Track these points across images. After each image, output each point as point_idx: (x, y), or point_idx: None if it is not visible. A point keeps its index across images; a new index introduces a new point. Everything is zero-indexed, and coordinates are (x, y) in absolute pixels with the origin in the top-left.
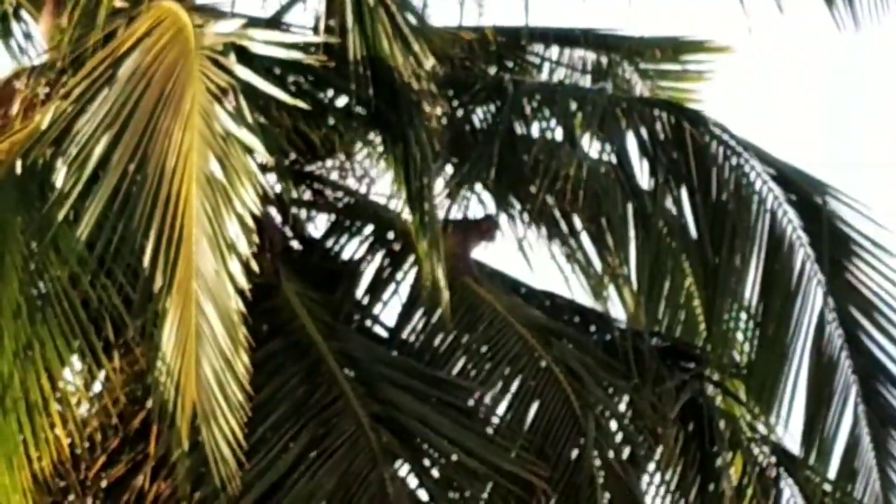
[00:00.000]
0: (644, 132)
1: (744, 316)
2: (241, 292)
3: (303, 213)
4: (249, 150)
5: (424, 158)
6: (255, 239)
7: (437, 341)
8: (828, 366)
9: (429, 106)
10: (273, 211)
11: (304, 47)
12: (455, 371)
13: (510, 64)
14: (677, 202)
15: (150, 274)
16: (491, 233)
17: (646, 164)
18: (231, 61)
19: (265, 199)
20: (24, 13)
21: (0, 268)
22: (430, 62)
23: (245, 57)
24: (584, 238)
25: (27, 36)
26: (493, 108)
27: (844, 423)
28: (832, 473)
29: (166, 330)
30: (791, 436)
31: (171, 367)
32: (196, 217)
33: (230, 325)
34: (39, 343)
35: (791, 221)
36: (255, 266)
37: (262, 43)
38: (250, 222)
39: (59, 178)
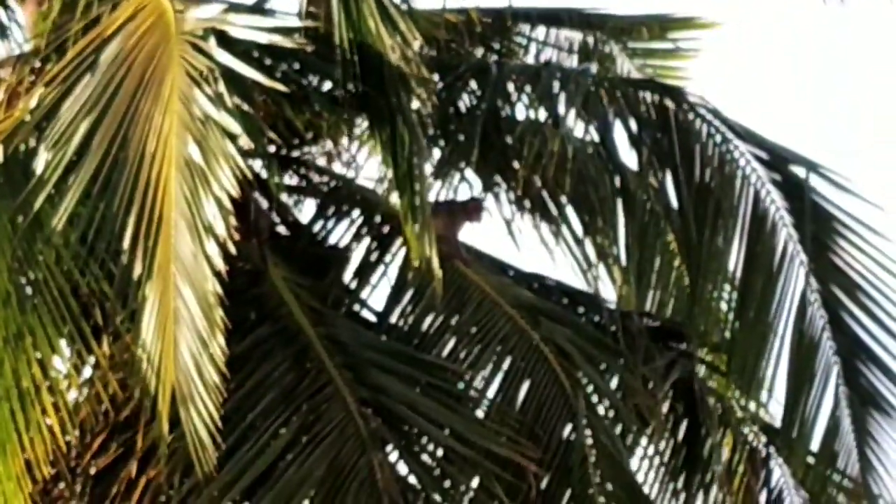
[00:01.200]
0: (627, 112)
1: (726, 296)
2: (217, 274)
3: (289, 199)
4: (229, 134)
5: (413, 140)
6: (233, 221)
7: (425, 324)
8: (809, 346)
9: (417, 88)
10: (259, 197)
11: (287, 32)
12: (444, 354)
13: (496, 46)
14: (661, 182)
15: (130, 258)
16: (477, 214)
17: (629, 143)
18: (211, 45)
19: (251, 184)
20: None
21: None
22: (417, 44)
23: (226, 42)
24: (572, 218)
25: (13, 23)
26: (477, 89)
27: (825, 405)
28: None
29: (146, 314)
30: (772, 416)
31: (150, 352)
32: (175, 200)
33: (207, 308)
34: (30, 331)
35: (774, 201)
36: (232, 248)
37: (242, 27)
38: (228, 204)
39: (41, 163)
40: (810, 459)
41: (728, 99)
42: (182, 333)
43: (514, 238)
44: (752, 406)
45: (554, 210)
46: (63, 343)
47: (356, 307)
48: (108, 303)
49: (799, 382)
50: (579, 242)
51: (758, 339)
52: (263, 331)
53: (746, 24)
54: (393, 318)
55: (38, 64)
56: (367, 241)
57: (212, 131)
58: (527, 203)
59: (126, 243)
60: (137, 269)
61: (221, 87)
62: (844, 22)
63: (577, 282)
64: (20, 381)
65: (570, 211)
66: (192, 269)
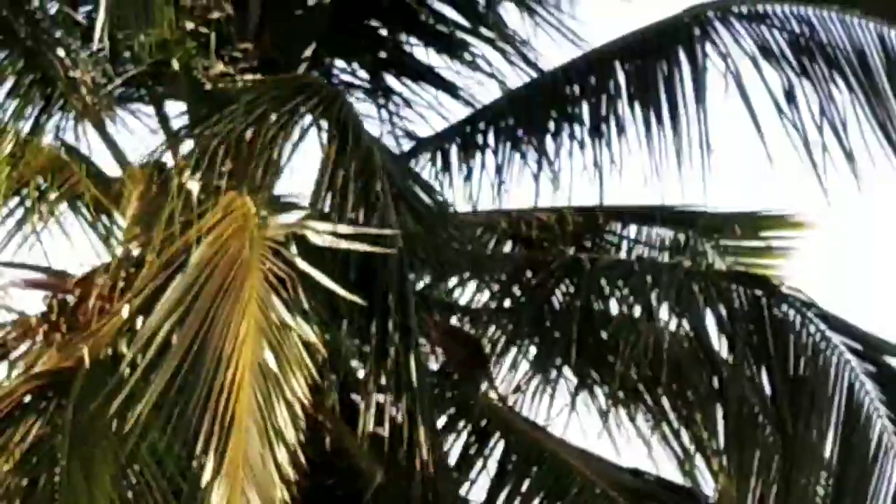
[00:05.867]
0: (720, 304)
1: (820, 490)
2: (286, 482)
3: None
4: (304, 341)
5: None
6: (303, 426)
7: None
8: None
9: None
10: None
11: (367, 240)
12: None
13: (588, 244)
14: (756, 374)
15: (201, 461)
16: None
17: (723, 336)
18: (291, 252)
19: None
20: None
21: (91, 463)
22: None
23: (306, 248)
24: (669, 412)
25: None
26: (570, 286)
27: None
28: None
29: None
30: None
31: None
32: (248, 405)
33: None
34: None
35: (868, 392)
36: (301, 457)
37: (320, 233)
38: (299, 411)
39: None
40: None
41: (823, 288)
42: None
43: (611, 432)
44: None
45: (650, 402)
46: None
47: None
48: None
49: None
50: (677, 435)
51: None
52: None
53: (844, 223)
54: None
55: (131, 269)
56: (465, 435)
57: (287, 338)
58: (624, 397)
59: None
60: (209, 469)
61: (299, 293)
62: None
63: (675, 477)
64: None
65: (666, 403)
66: (261, 475)
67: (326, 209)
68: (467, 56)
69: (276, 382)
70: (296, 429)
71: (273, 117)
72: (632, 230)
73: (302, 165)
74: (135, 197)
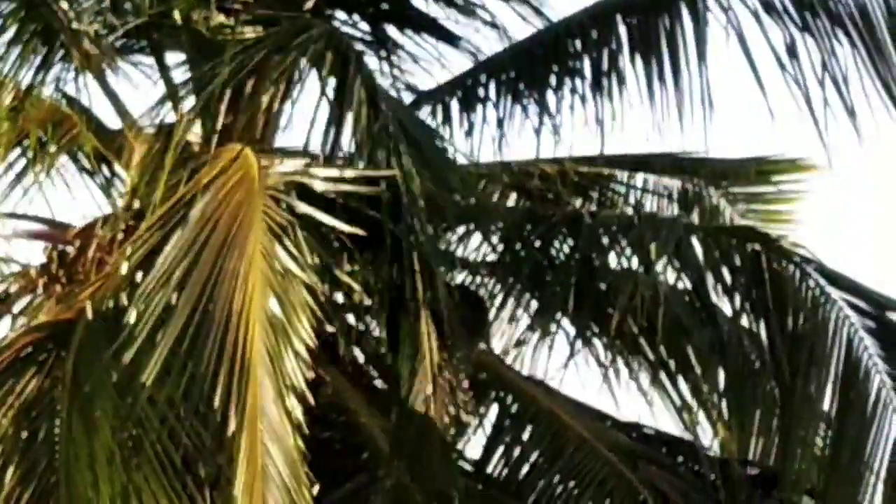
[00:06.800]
0: (719, 259)
1: (819, 441)
2: (299, 428)
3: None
4: (308, 287)
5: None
6: (310, 374)
7: (523, 470)
8: None
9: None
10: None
11: (369, 181)
12: (543, 499)
13: (593, 195)
14: (755, 328)
15: (223, 413)
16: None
17: (722, 290)
18: (292, 198)
19: (349, 338)
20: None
21: (91, 414)
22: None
23: (307, 194)
24: (669, 365)
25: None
26: (570, 241)
27: None
28: None
29: (238, 471)
30: None
31: None
32: (260, 358)
33: (293, 465)
34: (135, 489)
35: (867, 348)
36: (310, 399)
37: (323, 179)
38: (306, 356)
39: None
40: None
41: (825, 241)
42: (270, 491)
43: (610, 384)
44: None
45: (651, 355)
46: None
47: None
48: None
49: None
50: (677, 388)
51: (851, 487)
52: (361, 478)
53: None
54: (490, 465)
55: (131, 221)
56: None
57: (291, 284)
58: (623, 349)
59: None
60: (232, 425)
61: (300, 239)
62: None
63: (675, 431)
64: None
65: (665, 357)
66: (278, 426)
67: (329, 156)
68: (468, 5)
69: (284, 331)
70: (303, 375)
71: (275, 61)
72: (637, 180)
73: (303, 115)
74: (137, 149)
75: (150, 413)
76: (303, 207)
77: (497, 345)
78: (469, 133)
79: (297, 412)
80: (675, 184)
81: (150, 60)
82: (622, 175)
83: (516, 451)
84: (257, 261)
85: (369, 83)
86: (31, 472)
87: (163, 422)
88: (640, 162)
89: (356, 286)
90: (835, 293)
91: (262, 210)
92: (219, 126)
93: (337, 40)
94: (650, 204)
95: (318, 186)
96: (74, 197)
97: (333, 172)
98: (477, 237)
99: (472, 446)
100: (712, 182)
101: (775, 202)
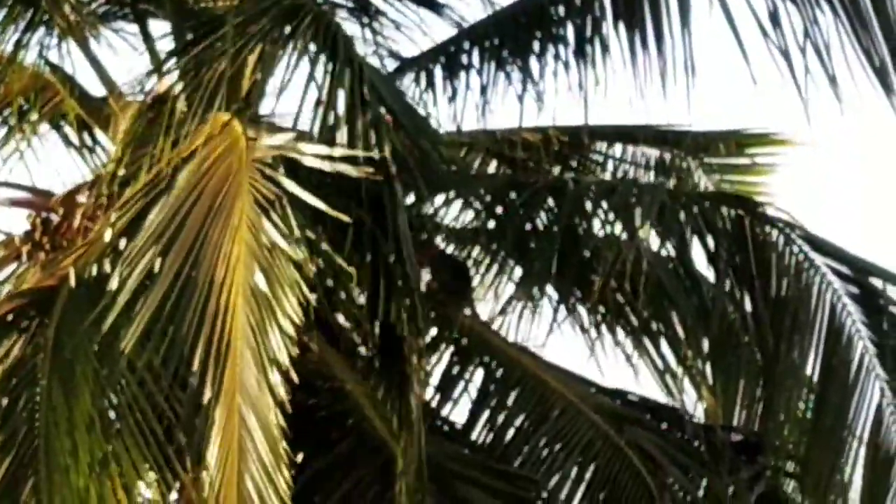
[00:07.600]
0: (703, 225)
1: (802, 406)
2: (281, 404)
3: None
4: (295, 262)
5: None
6: (295, 351)
7: (509, 432)
8: (885, 459)
9: None
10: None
11: (355, 161)
12: (528, 462)
13: (573, 163)
14: (739, 294)
15: (199, 382)
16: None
17: (706, 256)
18: (279, 173)
19: (333, 305)
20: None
21: (71, 381)
22: None
23: (295, 169)
24: (653, 331)
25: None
26: (554, 206)
27: None
28: None
29: (212, 441)
30: None
31: (213, 480)
32: (241, 329)
33: (271, 440)
34: (114, 456)
35: (850, 314)
36: (294, 377)
37: (311, 156)
38: (292, 333)
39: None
40: None
41: (808, 211)
42: (246, 466)
43: (593, 350)
44: None
45: (635, 321)
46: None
47: (438, 422)
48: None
49: (875, 496)
50: (661, 354)
51: (833, 452)
52: (347, 445)
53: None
54: (476, 430)
55: (115, 187)
56: (447, 354)
57: (278, 259)
58: (607, 316)
59: (196, 367)
60: (207, 394)
61: (288, 214)
62: None
63: (660, 397)
64: None
65: (650, 323)
66: (257, 400)
67: (316, 131)
68: None
69: (269, 306)
70: (288, 352)
71: (261, 40)
72: (617, 150)
73: (291, 89)
74: (122, 118)
75: (130, 380)
76: (291, 186)
77: (483, 311)
78: (452, 100)
79: (280, 389)
80: (652, 153)
81: (134, 28)
82: (602, 145)
83: (501, 416)
84: (243, 232)
85: (357, 67)
86: (11, 440)
87: (141, 385)
88: (622, 133)
89: (341, 262)
90: (818, 259)
91: (249, 182)
92: (206, 99)
93: (325, 21)
94: (630, 172)
95: (305, 161)
96: (56, 167)
97: (322, 149)
98: (458, 204)
99: (458, 411)
100: (690, 153)
101: (750, 173)
